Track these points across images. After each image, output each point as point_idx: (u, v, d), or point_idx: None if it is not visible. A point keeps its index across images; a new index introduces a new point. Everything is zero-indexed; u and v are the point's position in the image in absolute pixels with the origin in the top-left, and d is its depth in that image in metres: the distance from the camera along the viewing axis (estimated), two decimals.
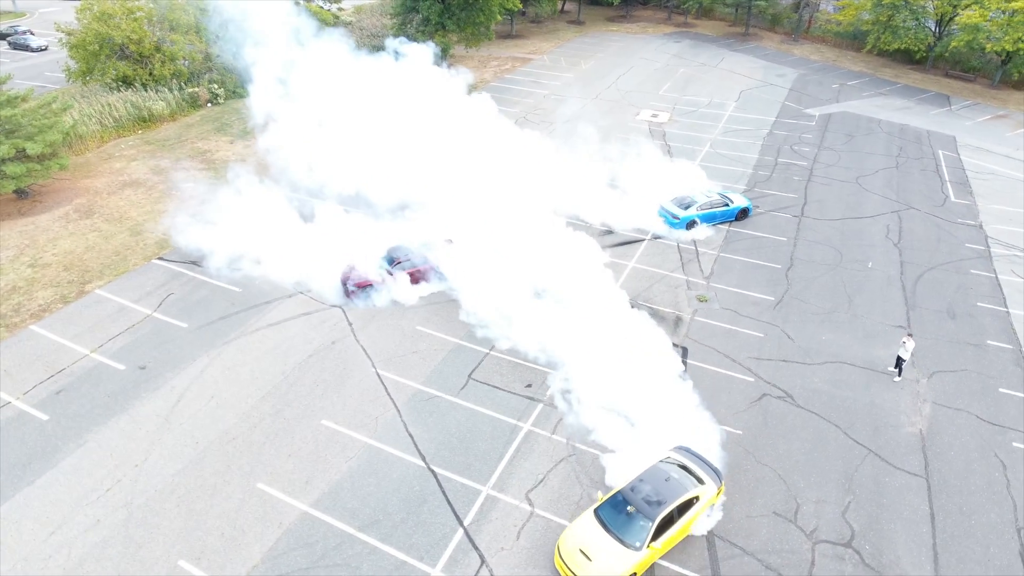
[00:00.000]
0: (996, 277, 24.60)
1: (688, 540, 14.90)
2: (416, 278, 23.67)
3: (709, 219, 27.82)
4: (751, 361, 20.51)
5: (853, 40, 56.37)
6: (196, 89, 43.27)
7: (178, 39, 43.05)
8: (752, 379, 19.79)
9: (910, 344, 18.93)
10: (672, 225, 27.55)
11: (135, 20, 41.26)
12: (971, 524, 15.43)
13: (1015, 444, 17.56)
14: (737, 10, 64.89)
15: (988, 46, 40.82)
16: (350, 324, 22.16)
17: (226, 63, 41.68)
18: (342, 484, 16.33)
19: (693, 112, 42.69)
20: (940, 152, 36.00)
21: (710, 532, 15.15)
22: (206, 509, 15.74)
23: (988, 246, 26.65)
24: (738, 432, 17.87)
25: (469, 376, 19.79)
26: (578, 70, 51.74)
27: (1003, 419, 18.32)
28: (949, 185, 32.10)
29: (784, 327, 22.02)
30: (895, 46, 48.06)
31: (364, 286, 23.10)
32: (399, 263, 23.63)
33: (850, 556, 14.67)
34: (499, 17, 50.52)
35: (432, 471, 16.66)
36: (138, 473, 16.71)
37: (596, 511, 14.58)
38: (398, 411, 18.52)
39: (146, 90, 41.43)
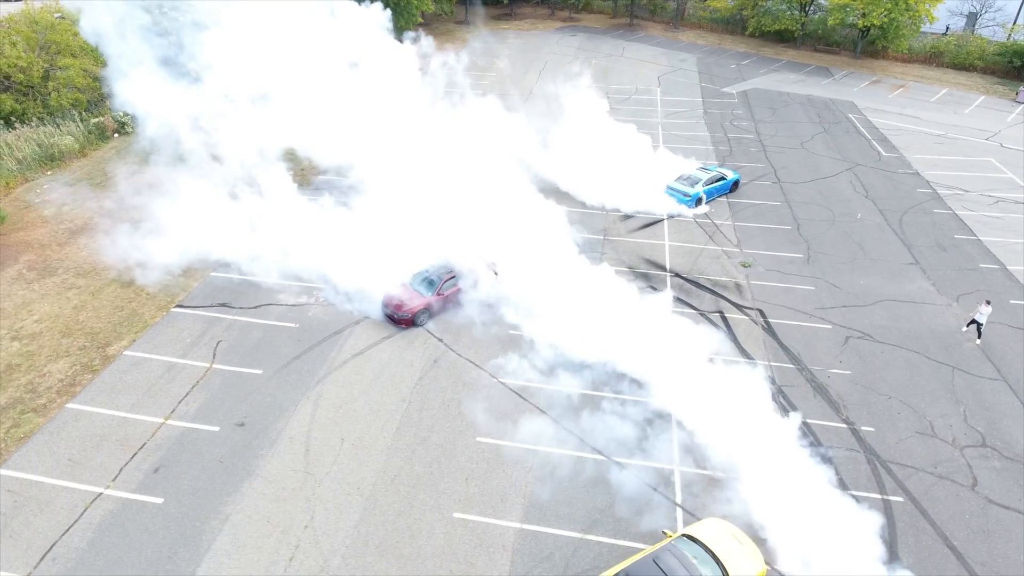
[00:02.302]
0: (955, 213, 29.27)
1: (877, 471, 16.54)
2: (455, 296, 22.71)
3: (712, 193, 30.03)
4: (819, 311, 22.77)
5: (728, 24, 62.55)
6: (101, 118, 38.01)
7: (71, 63, 37.48)
8: (829, 326, 22.03)
9: (987, 310, 20.78)
10: (683, 202, 29.37)
11: (14, 45, 35.36)
12: None
13: (980, 304, 21.66)
14: (616, 2, 69.09)
15: (860, 22, 47.62)
16: (440, 340, 21.31)
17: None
18: (537, 493, 15.95)
19: (627, 100, 45.18)
20: (851, 116, 41.55)
21: (882, 459, 16.93)
22: (416, 552, 14.66)
23: (934, 189, 31.52)
24: (847, 372, 19.92)
25: None
26: (497, 69, 52.37)
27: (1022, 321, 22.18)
28: (875, 143, 37.27)
29: (826, 278, 24.62)
30: (775, 27, 54.26)
31: (418, 312, 21.68)
32: (450, 278, 22.51)
33: (991, 454, 17.16)
34: (419, 19, 49.68)
35: (615, 462, 16.79)
36: (314, 534, 15.08)
37: None
38: (543, 411, 18.31)
39: (44, 124, 35.68)
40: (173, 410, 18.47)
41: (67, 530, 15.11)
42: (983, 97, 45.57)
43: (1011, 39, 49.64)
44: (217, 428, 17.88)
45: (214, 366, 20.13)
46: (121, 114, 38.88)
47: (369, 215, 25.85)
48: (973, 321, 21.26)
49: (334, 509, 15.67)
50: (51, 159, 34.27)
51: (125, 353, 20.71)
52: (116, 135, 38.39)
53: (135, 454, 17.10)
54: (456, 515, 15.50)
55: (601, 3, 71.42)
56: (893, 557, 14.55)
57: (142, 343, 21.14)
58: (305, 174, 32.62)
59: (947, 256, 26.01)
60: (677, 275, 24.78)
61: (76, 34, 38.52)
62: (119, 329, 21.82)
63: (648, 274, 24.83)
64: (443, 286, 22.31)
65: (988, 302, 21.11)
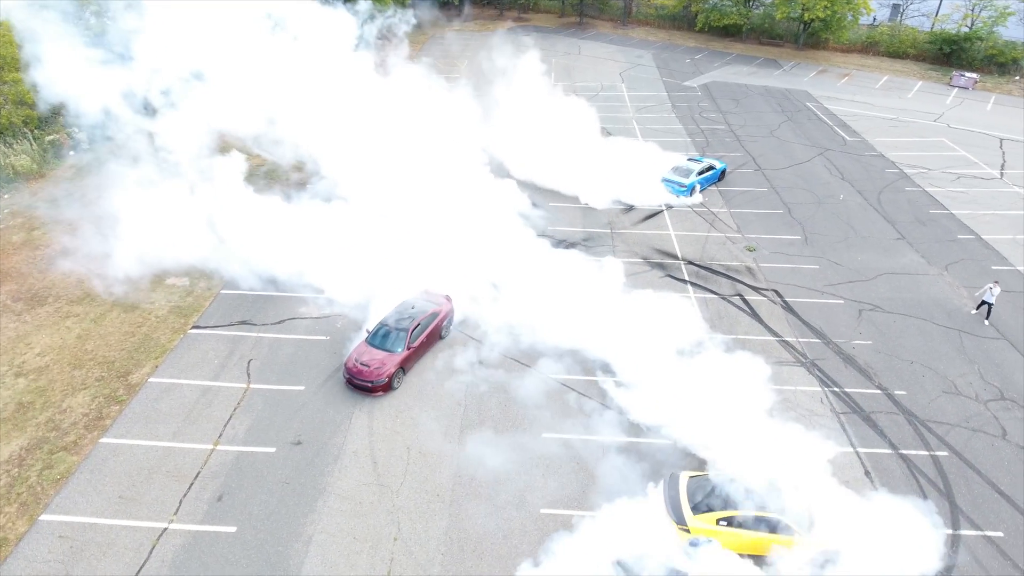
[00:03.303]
0: (925, 190, 31.49)
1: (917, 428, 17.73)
2: (436, 333, 20.60)
3: (703, 183, 31.13)
4: (828, 288, 24.08)
5: (675, 21, 64.64)
6: (56, 136, 35.60)
7: (17, 77, 34.87)
8: (842, 301, 23.34)
9: (996, 290, 21.72)
10: (679, 193, 30.30)
11: None
12: None
13: (988, 285, 23.00)
14: (564, 2, 70.17)
15: (806, 15, 50.31)
16: (478, 341, 21.24)
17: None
18: (621, 481, 16.19)
19: (595, 96, 46.01)
20: (809, 104, 43.87)
21: (920, 419, 18.15)
22: (512, 551, 14.65)
23: (901, 169, 33.79)
24: (868, 342, 21.21)
25: None
26: (462, 71, 52.23)
27: (1013, 287, 24.14)
28: (837, 129, 39.52)
29: (826, 256, 26.03)
30: (724, 22, 56.54)
31: (394, 374, 18.83)
32: (417, 327, 19.67)
33: (1012, 406, 18.71)
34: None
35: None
36: (405, 545, 14.83)
37: None
38: (604, 404, 18.60)
39: None
40: (220, 434, 17.68)
41: (139, 570, 14.27)
42: (921, 82, 49.07)
43: (936, 28, 53.61)
44: (273, 449, 17.25)
45: (251, 386, 19.37)
46: (75, 130, 36.55)
47: (356, 218, 25.40)
48: (983, 303, 22.17)
49: (419, 518, 15.46)
50: (7, 181, 31.86)
51: (150, 380, 19.63)
52: (72, 152, 36.05)
53: (191, 484, 16.29)
54: (544, 511, 15.59)
55: (549, 2, 72.29)
56: (953, 506, 15.70)
57: (166, 368, 20.09)
58: (277, 175, 31.83)
59: (927, 230, 27.99)
60: (691, 263, 25.62)
61: (20, 47, 35.99)
62: (136, 356, 20.64)
63: (663, 263, 25.55)
64: (413, 335, 19.56)
65: (996, 282, 22.08)
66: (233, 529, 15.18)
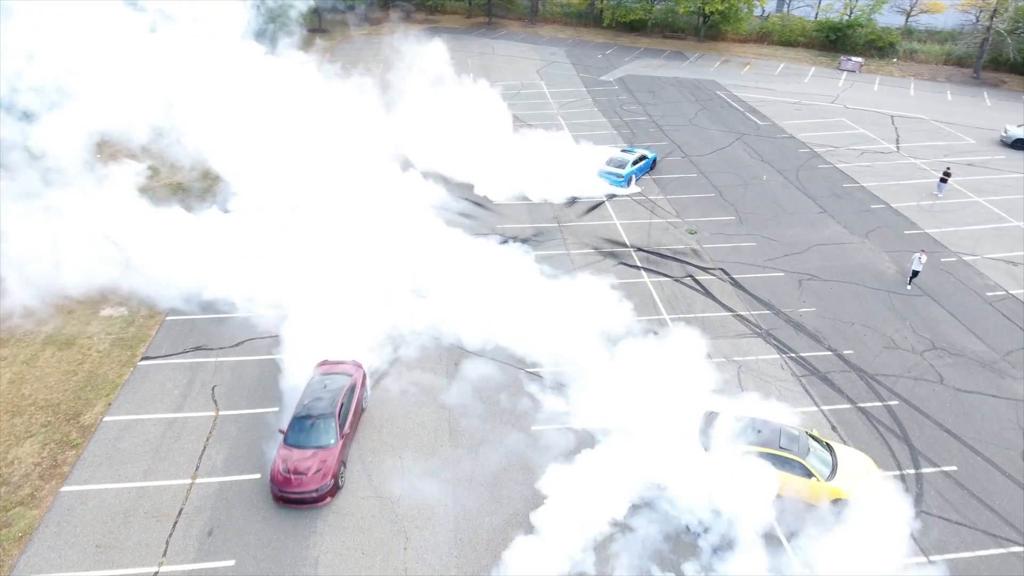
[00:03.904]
0: (836, 167, 34.21)
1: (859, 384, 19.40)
2: (359, 407, 17.78)
3: (638, 173, 32.36)
4: (767, 262, 25.75)
5: (581, 18, 66.44)
6: None
7: None
8: (782, 273, 25.04)
9: (924, 258, 23.65)
10: (617, 184, 31.36)
11: None
12: (968, 307, 22.92)
13: (943, 260, 25.82)
14: (470, 2, 70.45)
15: (706, 8, 53.20)
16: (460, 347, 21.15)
17: None
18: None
19: (517, 95, 46.63)
20: (719, 93, 46.43)
21: (869, 374, 19.85)
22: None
23: (811, 149, 36.50)
24: (812, 309, 22.91)
25: None
26: (376, 75, 51.33)
27: (923, 246, 26.72)
28: (748, 115, 42.10)
29: (761, 234, 27.79)
30: (630, 18, 58.75)
31: (339, 473, 15.81)
32: (343, 406, 16.68)
33: (943, 354, 20.81)
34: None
35: None
36: (418, 553, 14.66)
37: None
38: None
39: None
40: (197, 467, 16.72)
41: None
42: (813, 68, 53.10)
43: (820, 17, 58.19)
44: (259, 475, 16.49)
45: (221, 413, 18.41)
46: None
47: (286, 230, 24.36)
48: (915, 273, 23.96)
49: (425, 525, 15.31)
50: None
51: (105, 420, 18.23)
52: None
53: (175, 522, 15.33)
54: (536, 485, 15.83)
55: (455, 3, 72.35)
56: (912, 449, 17.33)
57: (121, 405, 18.71)
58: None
59: (844, 203, 30.47)
60: (640, 249, 26.62)
61: None
62: (83, 395, 19.09)
63: (614, 252, 26.40)
64: (341, 416, 16.53)
65: (923, 250, 24.28)
66: (232, 563, 14.44)
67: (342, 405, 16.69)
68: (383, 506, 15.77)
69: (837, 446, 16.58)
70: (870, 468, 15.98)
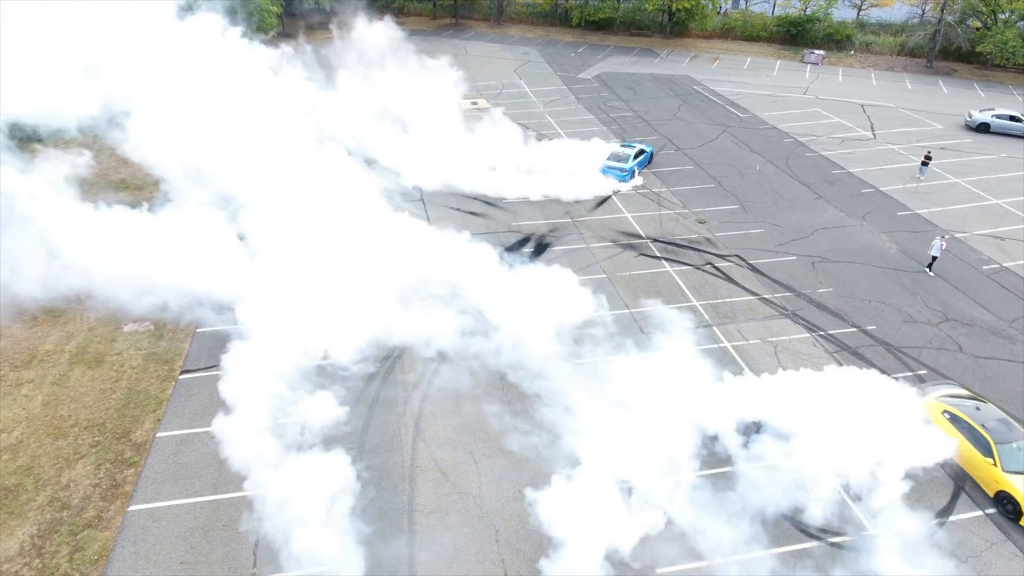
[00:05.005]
0: (822, 154, 35.89)
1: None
2: None
3: (639, 167, 33.18)
4: (778, 247, 26.91)
5: (548, 17, 67.21)
6: None
7: None
8: (794, 257, 26.21)
9: (943, 244, 24.36)
10: (620, 178, 32.09)
11: None
12: (969, 280, 24.55)
13: (935, 240, 27.39)
14: (435, 3, 70.28)
15: (674, 5, 54.76)
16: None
17: None
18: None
19: (500, 95, 46.98)
20: (696, 88, 47.89)
21: (895, 347, 21.08)
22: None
23: (795, 138, 38.14)
24: (830, 289, 24.12)
25: None
26: (348, 78, 50.70)
27: (917, 227, 28.40)
28: (729, 108, 43.61)
29: (767, 220, 28.99)
30: (598, 16, 59.83)
31: None
32: None
33: (956, 324, 22.27)
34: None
35: None
36: (509, 544, 14.86)
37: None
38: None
39: None
40: None
41: None
42: (779, 61, 55.36)
43: (779, 12, 60.67)
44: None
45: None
46: None
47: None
48: (934, 259, 24.72)
49: (514, 515, 15.53)
50: None
51: (158, 436, 17.71)
52: None
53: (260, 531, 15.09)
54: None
55: (419, 5, 72.01)
56: None
57: (172, 420, 18.20)
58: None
59: (836, 188, 32.05)
60: (656, 240, 27.38)
61: None
62: (128, 412, 18.47)
63: (632, 244, 27.08)
64: None
65: (943, 236, 25.26)
66: (323, 569, 14.32)
67: None
68: (465, 502, 15.85)
69: None
70: None
